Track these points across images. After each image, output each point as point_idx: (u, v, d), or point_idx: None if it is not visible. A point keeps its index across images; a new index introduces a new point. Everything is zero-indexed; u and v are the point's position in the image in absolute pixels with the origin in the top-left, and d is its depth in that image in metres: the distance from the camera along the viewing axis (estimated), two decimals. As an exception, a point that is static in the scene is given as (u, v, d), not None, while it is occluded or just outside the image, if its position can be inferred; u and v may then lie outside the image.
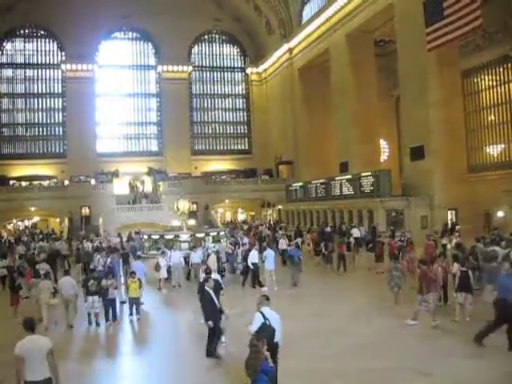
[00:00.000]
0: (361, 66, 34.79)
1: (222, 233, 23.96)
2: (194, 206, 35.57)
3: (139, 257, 17.28)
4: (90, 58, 46.95)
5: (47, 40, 48.24)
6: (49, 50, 48.34)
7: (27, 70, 47.86)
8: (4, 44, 47.32)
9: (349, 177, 32.10)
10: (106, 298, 12.10)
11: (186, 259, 18.20)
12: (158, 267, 16.75)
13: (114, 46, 50.05)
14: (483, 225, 26.88)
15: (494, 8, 27.69)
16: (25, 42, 47.87)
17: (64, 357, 9.24)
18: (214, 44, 52.77)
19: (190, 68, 51.00)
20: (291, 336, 10.31)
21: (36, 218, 44.28)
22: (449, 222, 25.88)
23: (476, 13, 23.14)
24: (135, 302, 12.65)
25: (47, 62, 48.19)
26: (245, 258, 17.12)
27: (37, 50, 48.09)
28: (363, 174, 30.20)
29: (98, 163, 46.19)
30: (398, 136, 38.74)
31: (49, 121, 48.26)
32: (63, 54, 47.80)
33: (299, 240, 23.01)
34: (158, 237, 22.34)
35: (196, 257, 17.55)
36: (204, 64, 52.41)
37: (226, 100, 53.34)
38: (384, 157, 40.03)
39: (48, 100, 48.30)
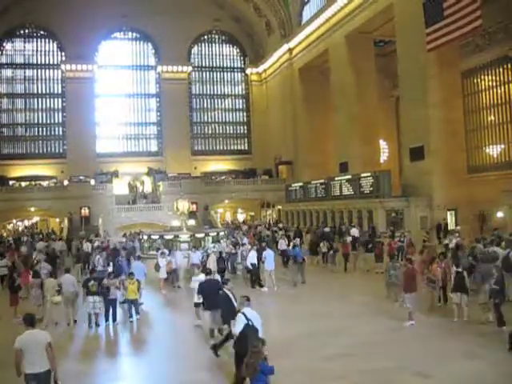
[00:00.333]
0: (360, 66, 34.76)
1: (221, 233, 23.97)
2: (194, 206, 35.52)
3: (139, 257, 17.27)
4: (89, 58, 47.01)
5: (47, 40, 48.25)
6: (48, 50, 48.34)
7: (27, 70, 47.87)
8: (4, 44, 47.32)
9: (348, 177, 32.08)
10: (106, 298, 12.06)
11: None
12: (157, 267, 16.73)
13: (114, 47, 50.03)
14: (478, 225, 26.86)
15: (494, 8, 27.70)
16: (24, 42, 47.86)
17: (63, 356, 9.25)
18: (213, 44, 52.72)
19: (190, 68, 51.00)
20: (291, 336, 10.36)
21: (36, 219, 44.28)
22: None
23: (476, 13, 23.12)
24: (133, 304, 12.53)
25: (47, 62, 48.20)
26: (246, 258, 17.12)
27: (36, 50, 48.09)
28: (363, 175, 30.18)
29: (97, 163, 46.23)
30: (398, 136, 38.67)
31: (48, 121, 48.25)
32: (63, 54, 47.82)
33: (298, 240, 22.89)
34: (157, 237, 22.35)
35: (195, 257, 17.54)
36: (204, 64, 52.37)
37: (226, 100, 53.31)
38: (384, 157, 39.99)
39: (48, 100, 48.29)
